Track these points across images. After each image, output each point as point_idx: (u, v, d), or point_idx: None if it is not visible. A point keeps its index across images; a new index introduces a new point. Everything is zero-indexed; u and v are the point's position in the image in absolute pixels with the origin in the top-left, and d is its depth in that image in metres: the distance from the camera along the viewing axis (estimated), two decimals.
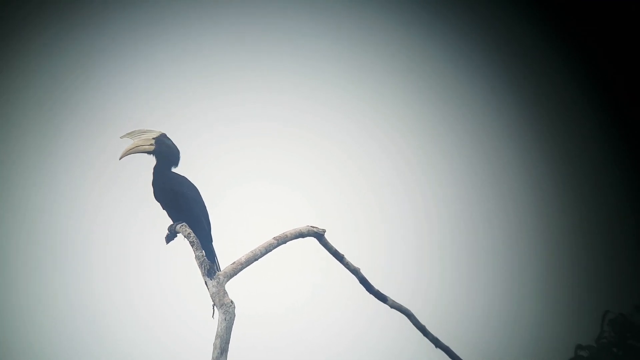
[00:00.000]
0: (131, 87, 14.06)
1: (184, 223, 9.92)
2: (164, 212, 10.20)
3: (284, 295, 13.02)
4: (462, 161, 14.24)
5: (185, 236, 9.87)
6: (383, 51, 14.38)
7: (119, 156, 10.12)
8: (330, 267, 10.28)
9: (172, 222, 10.10)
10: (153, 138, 10.13)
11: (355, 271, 10.16)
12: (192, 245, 9.81)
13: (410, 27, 14.26)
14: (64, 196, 13.66)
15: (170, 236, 10.10)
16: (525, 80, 14.30)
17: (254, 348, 12.00)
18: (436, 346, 10.32)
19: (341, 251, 10.16)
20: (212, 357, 9.37)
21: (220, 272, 9.74)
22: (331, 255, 10.16)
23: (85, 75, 13.96)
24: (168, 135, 10.26)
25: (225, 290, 9.64)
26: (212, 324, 9.62)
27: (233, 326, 9.46)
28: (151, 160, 10.21)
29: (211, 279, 9.68)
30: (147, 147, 10.11)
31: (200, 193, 10.17)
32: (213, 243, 10.16)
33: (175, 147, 10.19)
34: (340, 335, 13.07)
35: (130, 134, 10.13)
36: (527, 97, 14.32)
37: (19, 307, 13.27)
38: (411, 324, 10.22)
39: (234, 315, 9.51)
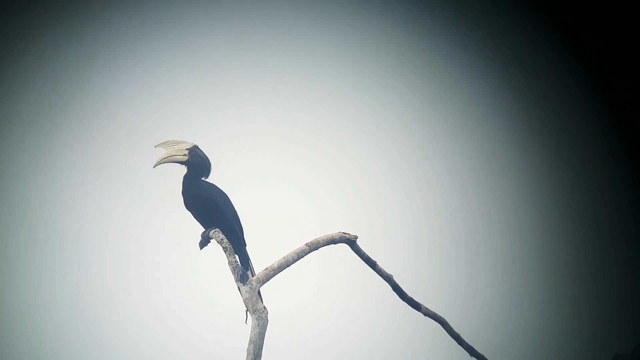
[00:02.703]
0: (130, 89, 14.13)
1: (217, 229, 10.00)
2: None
3: (314, 300, 12.98)
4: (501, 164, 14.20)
5: (218, 242, 9.93)
6: (395, 54, 14.39)
7: (153, 165, 10.25)
8: (362, 273, 10.23)
9: (204, 229, 10.15)
10: (187, 149, 10.27)
11: (388, 278, 10.11)
12: (225, 251, 9.85)
13: (410, 27, 14.28)
14: (68, 197, 13.71)
15: (204, 242, 10.17)
16: (525, 81, 14.28)
17: (286, 353, 11.93)
18: (471, 355, 10.23)
19: (373, 258, 10.13)
20: None
21: (253, 278, 9.76)
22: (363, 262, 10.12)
23: (84, 76, 14.05)
24: (200, 147, 10.40)
25: (258, 296, 9.65)
26: (245, 329, 9.61)
27: (266, 332, 9.43)
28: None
29: (244, 285, 9.67)
30: (180, 157, 10.27)
31: (230, 198, 10.25)
32: (246, 247, 10.20)
33: (208, 158, 10.30)
34: (371, 341, 12.99)
35: (164, 144, 10.29)
36: (527, 98, 14.30)
37: (21, 308, 13.27)
38: (445, 332, 10.16)
39: (267, 321, 9.52)
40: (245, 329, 9.97)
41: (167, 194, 12.87)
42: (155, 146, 10.28)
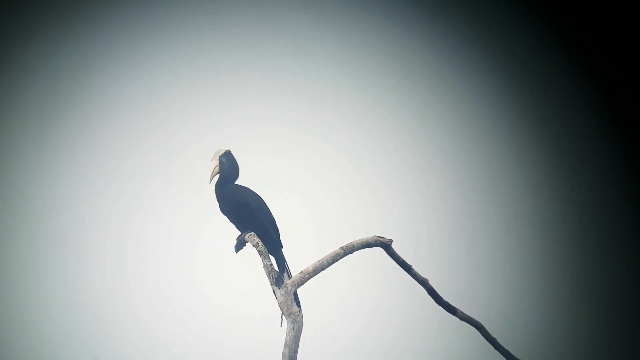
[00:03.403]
0: (130, 89, 14.08)
1: (252, 232, 10.00)
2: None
3: (349, 304, 12.97)
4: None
5: (253, 245, 9.91)
6: (398, 55, 14.44)
7: (209, 181, 10.30)
8: (396, 277, 10.23)
9: (240, 233, 10.16)
10: (219, 156, 10.23)
11: (423, 282, 10.08)
12: (260, 255, 9.84)
13: (411, 27, 14.34)
14: (68, 197, 13.64)
15: (239, 246, 10.16)
16: (525, 81, 14.36)
17: (321, 357, 11.93)
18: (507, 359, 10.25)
19: (409, 261, 10.12)
20: None
21: (288, 282, 9.74)
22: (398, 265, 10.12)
23: (84, 76, 14.00)
24: (233, 152, 10.46)
25: (293, 299, 9.64)
26: (280, 333, 9.61)
27: (301, 335, 9.43)
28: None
29: (279, 288, 9.67)
30: (216, 168, 10.24)
31: (265, 201, 10.23)
32: (283, 249, 10.22)
33: (233, 163, 10.36)
34: (405, 346, 12.99)
35: (214, 157, 10.28)
36: (527, 98, 14.37)
37: (20, 308, 13.18)
38: (481, 336, 10.16)
39: (302, 324, 9.50)
40: (247, 330, 9.96)
41: (168, 194, 12.86)
42: (210, 161, 10.34)
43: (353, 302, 12.95)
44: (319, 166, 13.91)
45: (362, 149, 14.20)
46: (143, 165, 13.62)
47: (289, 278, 9.98)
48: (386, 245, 10.04)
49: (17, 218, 13.51)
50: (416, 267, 10.09)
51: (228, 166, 10.29)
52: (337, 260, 9.89)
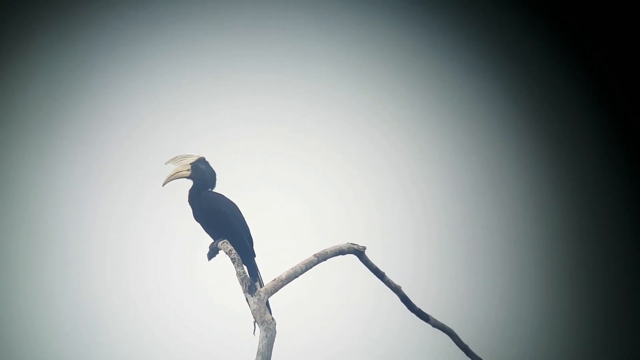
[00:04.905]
0: (130, 89, 14.11)
1: (225, 240, 10.01)
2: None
3: (322, 311, 12.96)
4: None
5: (226, 253, 9.93)
6: (400, 58, 14.37)
7: (162, 183, 10.26)
8: (372, 284, 10.22)
9: (213, 240, 10.17)
10: (190, 163, 10.18)
11: (396, 289, 10.08)
12: (233, 262, 9.87)
13: (411, 27, 14.27)
14: (68, 197, 13.69)
15: (212, 253, 10.18)
16: (524, 82, 14.26)
17: None
18: None
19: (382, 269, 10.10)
20: None
21: (261, 289, 9.75)
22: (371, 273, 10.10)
23: (84, 76, 14.03)
24: (207, 158, 10.43)
25: (266, 307, 9.65)
26: (253, 340, 9.62)
27: (274, 343, 9.43)
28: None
29: (252, 296, 9.67)
30: (184, 172, 10.29)
31: (240, 209, 10.23)
32: (255, 258, 10.23)
33: (211, 170, 10.31)
34: (377, 353, 12.97)
35: (172, 160, 10.27)
36: (527, 99, 14.28)
37: (20, 309, 13.26)
38: (454, 343, 10.14)
39: (275, 332, 9.52)
40: (247, 330, 9.97)
41: (168, 195, 12.89)
42: (165, 163, 10.32)
43: (326, 310, 12.94)
44: (295, 171, 13.91)
45: (336, 156, 14.18)
46: (143, 165, 13.65)
47: (262, 286, 9.97)
48: (359, 253, 10.04)
49: (17, 218, 13.58)
50: (390, 274, 10.08)
51: (208, 174, 10.27)
52: (311, 267, 9.91)
